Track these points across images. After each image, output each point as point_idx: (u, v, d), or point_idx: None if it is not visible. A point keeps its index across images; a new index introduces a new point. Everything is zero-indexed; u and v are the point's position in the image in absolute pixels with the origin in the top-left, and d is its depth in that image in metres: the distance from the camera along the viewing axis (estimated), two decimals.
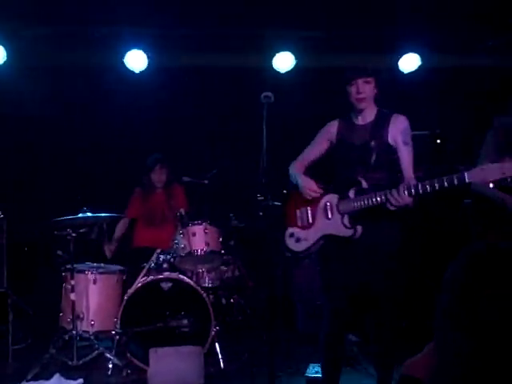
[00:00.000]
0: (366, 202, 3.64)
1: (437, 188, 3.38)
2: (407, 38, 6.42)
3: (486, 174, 3.25)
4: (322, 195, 3.86)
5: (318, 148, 4.07)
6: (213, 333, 4.86)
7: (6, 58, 6.04)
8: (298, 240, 3.86)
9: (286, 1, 5.79)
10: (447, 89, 6.43)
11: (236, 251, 5.69)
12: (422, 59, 6.44)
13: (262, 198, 3.84)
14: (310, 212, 3.90)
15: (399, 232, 3.79)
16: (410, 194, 3.47)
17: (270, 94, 3.80)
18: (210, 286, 5.34)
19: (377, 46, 6.30)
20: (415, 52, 6.47)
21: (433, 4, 5.71)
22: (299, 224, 3.90)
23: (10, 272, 5.38)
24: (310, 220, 3.88)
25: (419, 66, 6.48)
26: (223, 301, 5.30)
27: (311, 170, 4.03)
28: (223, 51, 6.33)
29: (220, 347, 4.88)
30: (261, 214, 3.90)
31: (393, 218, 3.67)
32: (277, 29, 6.28)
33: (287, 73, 6.48)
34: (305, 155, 4.10)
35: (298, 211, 3.92)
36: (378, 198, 3.57)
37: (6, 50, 6.03)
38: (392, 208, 3.53)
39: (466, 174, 3.29)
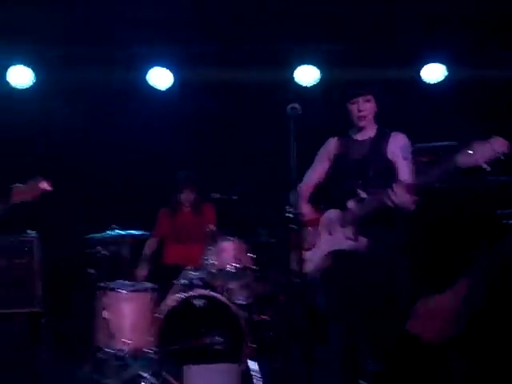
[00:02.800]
0: (366, 209, 3.62)
1: (433, 178, 3.36)
2: (430, 48, 6.42)
3: (477, 156, 3.19)
4: (322, 213, 3.86)
5: (319, 168, 4.09)
6: (247, 350, 4.87)
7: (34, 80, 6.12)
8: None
9: (309, 15, 5.83)
10: (472, 100, 6.41)
11: (267, 266, 5.70)
12: (448, 70, 6.43)
13: (291, 212, 3.83)
14: (311, 232, 3.88)
15: (405, 238, 3.78)
16: (407, 189, 3.42)
17: (297, 105, 3.70)
18: (242, 302, 5.34)
19: (399, 56, 6.32)
20: (440, 62, 6.46)
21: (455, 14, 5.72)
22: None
23: (44, 291, 5.42)
24: (313, 240, 3.87)
25: (445, 77, 6.46)
26: (256, 317, 5.30)
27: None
28: (248, 66, 6.35)
29: (257, 365, 4.87)
30: (292, 227, 3.84)
31: (395, 224, 3.66)
32: (301, 42, 6.31)
33: (312, 86, 6.49)
34: (308, 178, 4.10)
35: None
36: (377, 201, 3.55)
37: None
38: (391, 204, 3.46)
39: (459, 158, 3.23)
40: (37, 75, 6.13)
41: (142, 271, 5.91)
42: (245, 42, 6.26)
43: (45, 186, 3.93)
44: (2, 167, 5.99)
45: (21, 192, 3.83)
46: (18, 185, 3.85)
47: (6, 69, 6.08)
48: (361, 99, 3.84)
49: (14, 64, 6.07)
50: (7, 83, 6.10)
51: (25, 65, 6.09)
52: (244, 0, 5.68)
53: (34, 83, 6.14)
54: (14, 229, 5.43)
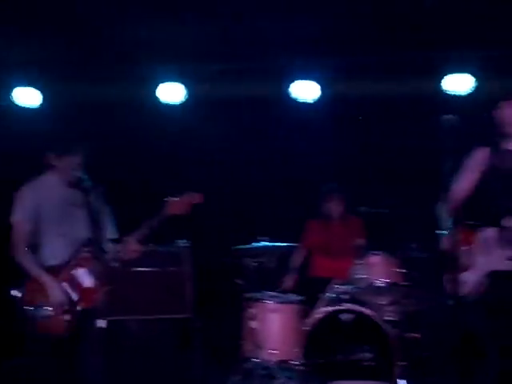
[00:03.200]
0: None
1: None
2: None
3: None
4: (476, 231, 3.60)
5: (468, 181, 3.80)
6: (398, 369, 4.69)
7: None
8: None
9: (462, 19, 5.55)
10: None
11: (419, 283, 5.48)
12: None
13: (444, 229, 3.63)
14: (465, 251, 3.63)
15: None
16: None
17: (452, 116, 3.46)
18: (392, 319, 5.17)
19: None
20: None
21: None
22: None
23: (194, 298, 5.58)
24: (467, 260, 3.62)
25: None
26: (407, 335, 5.10)
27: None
28: (399, 75, 6.16)
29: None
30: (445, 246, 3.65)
31: None
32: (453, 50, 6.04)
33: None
34: (456, 191, 3.80)
35: None
36: None
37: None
38: None
39: None
40: (188, 91, 6.34)
41: (289, 283, 5.90)
42: (397, 51, 6.09)
43: (197, 199, 4.04)
44: (156, 181, 6.27)
45: (174, 205, 3.96)
46: (171, 198, 3.98)
47: (156, 85, 6.34)
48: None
49: (165, 81, 6.31)
50: (157, 99, 6.36)
51: (177, 81, 6.33)
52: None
53: (186, 99, 6.36)
54: (167, 239, 5.65)
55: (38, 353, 3.97)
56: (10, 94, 6.36)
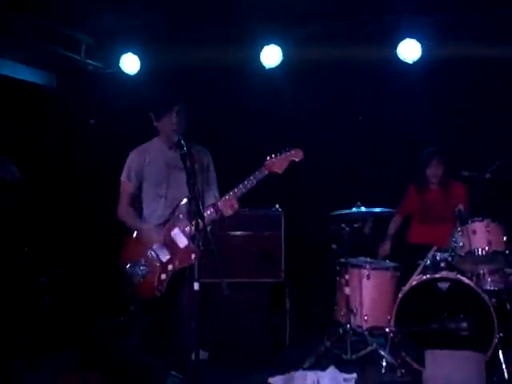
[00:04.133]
0: None
1: None
2: None
3: None
4: None
5: None
6: (496, 340, 4.46)
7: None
8: None
9: None
10: None
11: None
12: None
13: None
14: None
15: None
16: None
17: None
18: (492, 288, 4.91)
19: None
20: None
21: None
22: None
23: (287, 264, 5.57)
24: None
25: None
26: (508, 306, 4.83)
27: None
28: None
29: (504, 356, 4.45)
30: None
31: None
32: None
33: None
34: None
35: None
36: None
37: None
38: None
39: None
40: (284, 54, 6.27)
41: (385, 249, 5.76)
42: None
43: (297, 155, 3.94)
44: (258, 140, 6.23)
45: (274, 163, 3.91)
46: (270, 156, 3.94)
47: (261, 49, 6.30)
48: None
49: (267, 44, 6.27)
50: (261, 62, 6.33)
51: (276, 44, 6.27)
52: None
53: (282, 61, 6.29)
54: (263, 203, 5.65)
55: (135, 311, 4.11)
56: (119, 61, 6.60)
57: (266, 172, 3.92)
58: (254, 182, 3.91)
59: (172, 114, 4.01)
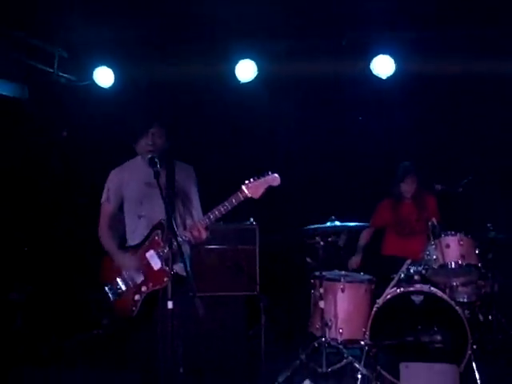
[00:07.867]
0: None
1: None
2: None
3: None
4: None
5: None
6: (469, 351, 4.50)
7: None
8: None
9: None
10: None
11: (494, 264, 5.23)
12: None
13: None
14: None
15: None
16: None
17: None
18: (465, 300, 4.98)
19: None
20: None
21: None
22: None
23: (262, 278, 5.55)
24: None
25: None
26: (480, 317, 4.89)
27: None
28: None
29: (477, 367, 4.49)
30: None
31: None
32: None
33: None
34: None
35: None
36: None
37: None
38: None
39: None
40: (259, 69, 6.30)
41: (356, 261, 5.81)
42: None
43: (274, 181, 3.89)
44: (234, 154, 6.21)
45: (248, 189, 3.84)
46: (249, 181, 3.86)
47: (236, 63, 6.33)
48: None
49: (242, 59, 6.29)
50: (236, 77, 6.36)
51: (251, 59, 6.29)
52: None
53: (256, 76, 6.31)
54: (238, 217, 5.62)
55: (108, 324, 4.03)
56: (92, 74, 6.55)
57: (242, 198, 3.84)
58: (229, 207, 3.82)
59: (148, 136, 3.96)
